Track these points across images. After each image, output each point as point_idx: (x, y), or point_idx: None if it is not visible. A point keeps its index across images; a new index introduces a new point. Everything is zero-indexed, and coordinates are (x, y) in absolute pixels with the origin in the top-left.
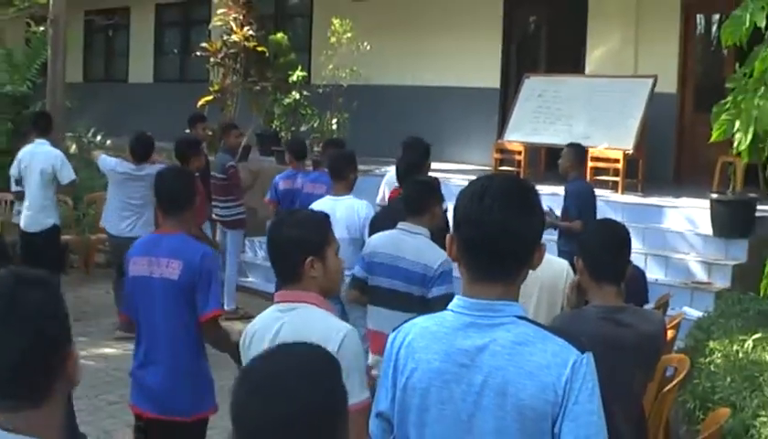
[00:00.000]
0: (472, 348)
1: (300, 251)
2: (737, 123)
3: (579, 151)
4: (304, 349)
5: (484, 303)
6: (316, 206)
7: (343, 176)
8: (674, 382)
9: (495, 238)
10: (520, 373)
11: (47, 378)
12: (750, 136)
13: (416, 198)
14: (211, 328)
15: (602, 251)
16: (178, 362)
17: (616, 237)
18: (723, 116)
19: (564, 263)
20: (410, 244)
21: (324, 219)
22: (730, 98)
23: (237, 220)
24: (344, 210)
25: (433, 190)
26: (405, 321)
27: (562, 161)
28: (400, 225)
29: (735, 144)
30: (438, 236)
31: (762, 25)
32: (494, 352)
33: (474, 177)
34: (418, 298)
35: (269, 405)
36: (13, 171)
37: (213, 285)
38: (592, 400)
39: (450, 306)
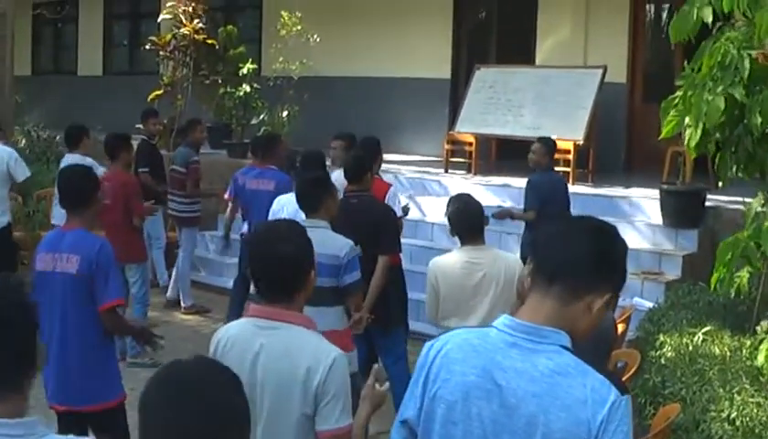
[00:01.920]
0: (510, 370)
1: (304, 265)
2: (686, 119)
3: (550, 145)
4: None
5: (530, 326)
6: (283, 199)
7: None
8: (624, 378)
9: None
10: (556, 404)
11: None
12: (699, 132)
13: (309, 195)
14: (109, 318)
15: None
16: (77, 354)
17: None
18: (672, 112)
19: (517, 259)
20: (314, 238)
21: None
22: (679, 93)
23: (192, 218)
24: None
25: (325, 185)
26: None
27: (534, 155)
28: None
29: (686, 140)
30: (337, 227)
31: (709, 21)
32: (532, 378)
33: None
34: (329, 289)
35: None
36: None
37: (111, 277)
38: None
39: (495, 323)
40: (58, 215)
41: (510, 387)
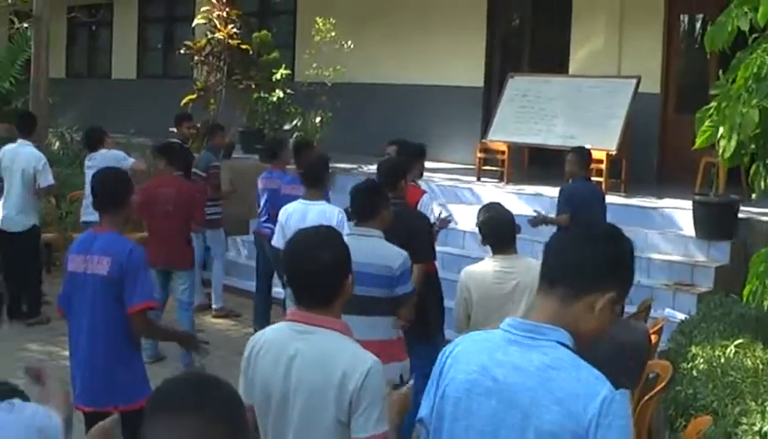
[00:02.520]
0: (508, 365)
1: (342, 270)
2: (720, 130)
3: (583, 154)
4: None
5: (531, 324)
6: (289, 208)
7: (316, 181)
8: (655, 390)
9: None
10: (548, 398)
11: None
12: (734, 143)
13: (365, 203)
14: (139, 321)
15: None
16: (105, 355)
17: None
18: (707, 123)
19: None
20: (368, 247)
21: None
22: (713, 104)
23: (214, 220)
24: (315, 216)
25: (381, 194)
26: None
27: (567, 164)
28: (352, 230)
29: (720, 152)
30: (391, 236)
31: (746, 29)
32: (527, 373)
33: (456, 177)
34: (381, 299)
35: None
36: None
37: (140, 279)
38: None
39: (501, 325)
40: (88, 211)
41: (507, 382)
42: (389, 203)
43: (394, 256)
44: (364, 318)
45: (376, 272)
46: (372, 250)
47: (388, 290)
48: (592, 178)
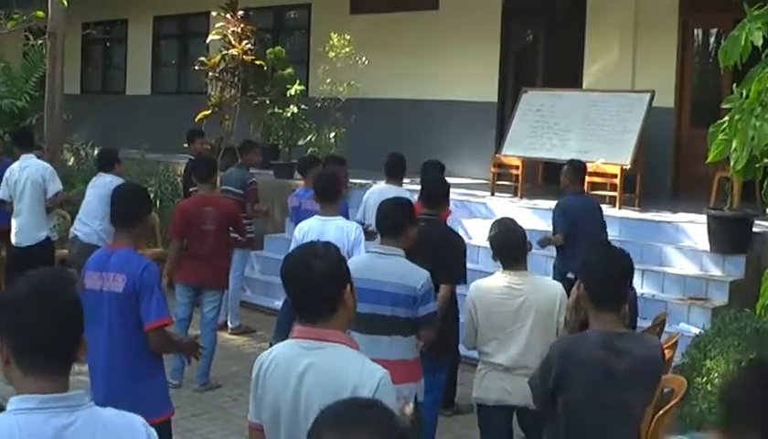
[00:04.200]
0: None
1: (340, 281)
2: (734, 143)
3: (576, 167)
4: None
5: None
6: (305, 226)
7: (331, 196)
8: (670, 405)
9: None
10: None
11: None
12: (746, 157)
13: (392, 220)
14: (156, 337)
15: (605, 281)
16: (125, 371)
17: (620, 268)
18: (720, 136)
19: (558, 287)
20: (389, 266)
21: (338, 248)
22: (726, 118)
23: (246, 240)
24: (334, 232)
25: (410, 212)
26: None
27: (562, 177)
28: (374, 247)
29: (732, 164)
30: (412, 254)
31: (759, 44)
32: None
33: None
34: (404, 320)
35: None
36: (2, 193)
37: (155, 296)
38: None
39: None
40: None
41: None
42: (416, 223)
43: (417, 276)
44: (384, 338)
45: (397, 291)
46: (394, 269)
47: (410, 310)
48: (606, 193)
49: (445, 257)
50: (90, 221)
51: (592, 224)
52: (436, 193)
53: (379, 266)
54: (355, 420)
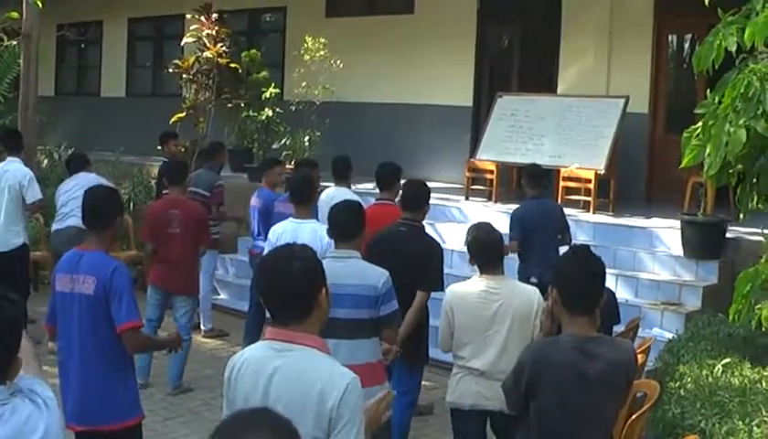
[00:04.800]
0: None
1: (314, 281)
2: (707, 148)
3: (532, 173)
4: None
5: None
6: (279, 228)
7: (306, 199)
8: (643, 409)
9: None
10: None
11: None
12: (720, 162)
13: (346, 224)
14: (130, 338)
15: (578, 285)
16: (97, 374)
17: (592, 272)
18: (694, 142)
19: (535, 291)
20: (347, 268)
21: (315, 251)
22: (700, 123)
23: (213, 240)
24: (308, 235)
25: (362, 215)
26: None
27: (523, 182)
28: (330, 252)
29: (705, 170)
30: (383, 251)
31: (733, 49)
32: None
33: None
34: (367, 321)
35: None
36: None
37: (125, 298)
38: None
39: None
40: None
41: None
42: (366, 225)
43: (377, 275)
44: (346, 342)
45: (358, 292)
46: (353, 271)
47: (372, 310)
48: (580, 198)
49: (424, 264)
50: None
51: (550, 229)
52: (416, 197)
53: (338, 270)
54: (247, 424)
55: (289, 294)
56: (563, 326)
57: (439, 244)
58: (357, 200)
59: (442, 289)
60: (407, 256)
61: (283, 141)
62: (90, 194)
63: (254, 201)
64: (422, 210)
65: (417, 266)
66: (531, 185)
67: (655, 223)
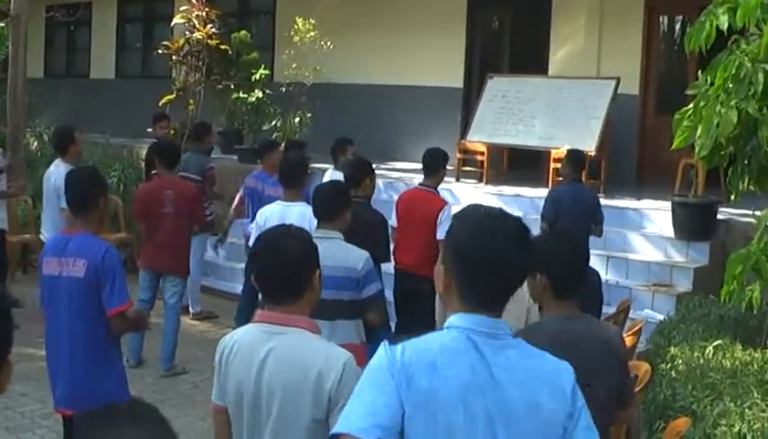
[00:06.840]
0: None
1: (309, 263)
2: (699, 129)
3: (573, 158)
4: None
5: (490, 322)
6: (266, 211)
7: (295, 182)
8: (635, 390)
9: (508, 274)
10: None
11: None
12: (711, 143)
13: (329, 204)
14: (118, 323)
15: (570, 271)
16: (86, 357)
17: (582, 258)
18: (685, 123)
19: None
20: (328, 249)
21: (309, 232)
22: (691, 104)
23: (207, 223)
24: (296, 217)
25: (345, 195)
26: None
27: (561, 167)
28: (314, 232)
29: (697, 151)
30: (351, 236)
31: (725, 28)
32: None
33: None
34: (347, 303)
35: None
36: None
37: (117, 281)
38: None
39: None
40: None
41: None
42: (350, 205)
43: (357, 257)
44: (327, 322)
45: (339, 274)
46: (334, 252)
47: (353, 292)
48: None
49: (369, 237)
50: None
51: (580, 215)
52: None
53: (320, 250)
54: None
55: (285, 273)
56: (546, 310)
57: (383, 217)
58: (341, 181)
59: (389, 260)
60: (358, 233)
61: (273, 122)
62: (71, 176)
63: (252, 183)
64: (365, 185)
65: (365, 241)
66: (570, 170)
67: (646, 205)
